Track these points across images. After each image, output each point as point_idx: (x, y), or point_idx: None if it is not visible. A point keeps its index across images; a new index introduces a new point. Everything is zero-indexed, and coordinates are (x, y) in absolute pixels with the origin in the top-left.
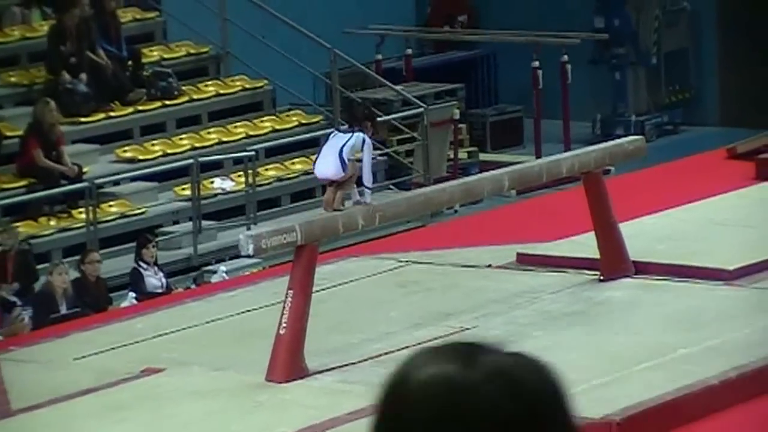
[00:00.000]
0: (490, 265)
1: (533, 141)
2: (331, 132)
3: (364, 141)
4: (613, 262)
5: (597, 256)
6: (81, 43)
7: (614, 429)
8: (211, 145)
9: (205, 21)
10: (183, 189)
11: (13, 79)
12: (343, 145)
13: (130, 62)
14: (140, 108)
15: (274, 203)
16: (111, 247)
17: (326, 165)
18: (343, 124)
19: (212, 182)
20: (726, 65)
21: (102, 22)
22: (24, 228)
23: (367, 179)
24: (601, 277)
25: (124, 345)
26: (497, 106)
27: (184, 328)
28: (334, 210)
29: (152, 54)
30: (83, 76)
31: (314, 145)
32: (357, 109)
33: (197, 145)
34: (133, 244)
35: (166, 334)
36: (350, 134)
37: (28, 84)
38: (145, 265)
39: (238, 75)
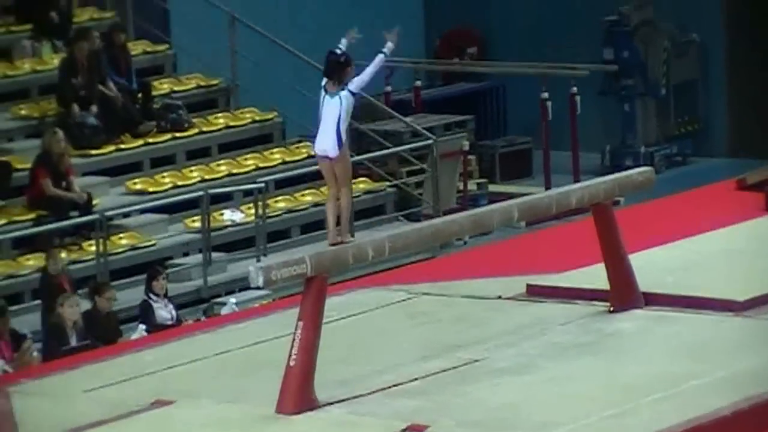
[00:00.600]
0: (499, 297)
1: (542, 172)
2: (321, 94)
3: (351, 92)
4: (623, 294)
5: (607, 287)
6: (92, 76)
7: None
8: (221, 177)
9: (214, 53)
10: (193, 221)
11: (23, 112)
12: (339, 118)
13: (140, 94)
14: (150, 140)
15: (284, 235)
16: (121, 279)
17: (325, 140)
18: (325, 83)
19: (222, 214)
20: (735, 96)
21: (112, 55)
22: (34, 260)
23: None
24: (611, 309)
25: (135, 377)
26: (506, 137)
27: (194, 360)
28: (340, 243)
29: (162, 86)
30: (93, 108)
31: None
32: (329, 63)
33: (207, 177)
34: (143, 276)
35: (177, 366)
36: (337, 96)
37: (39, 117)
38: (155, 297)
39: (247, 107)
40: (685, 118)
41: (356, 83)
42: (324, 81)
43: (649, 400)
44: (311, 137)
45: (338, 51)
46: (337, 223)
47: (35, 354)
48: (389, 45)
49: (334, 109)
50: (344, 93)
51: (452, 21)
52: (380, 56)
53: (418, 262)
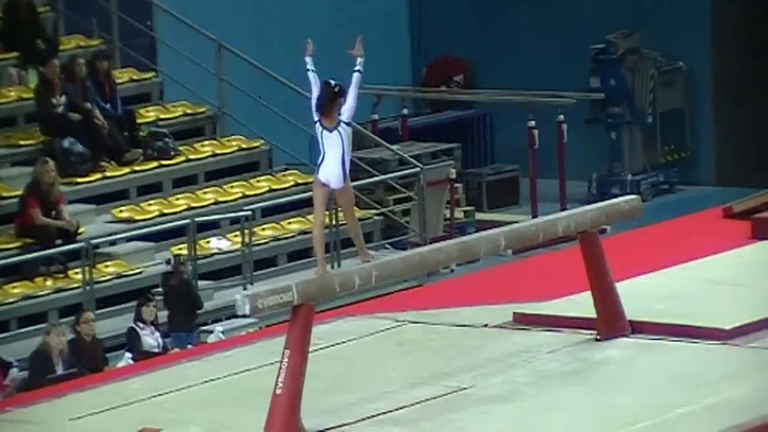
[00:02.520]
0: (486, 325)
1: (529, 200)
2: (317, 129)
3: (347, 123)
4: (610, 322)
5: (594, 315)
6: (71, 98)
7: None
8: (208, 205)
9: (201, 81)
10: (179, 249)
11: (10, 140)
12: (343, 152)
13: (126, 122)
14: (137, 168)
15: (271, 263)
16: (107, 307)
17: (330, 172)
18: (319, 117)
19: (208, 242)
20: (721, 124)
21: (97, 82)
22: (20, 288)
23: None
24: (598, 337)
25: (121, 405)
26: (493, 165)
27: (180, 389)
28: (364, 261)
29: (149, 114)
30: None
31: (310, 204)
32: (325, 95)
33: (193, 205)
34: (129, 304)
35: (163, 394)
36: (335, 130)
37: (25, 144)
38: (142, 325)
39: (234, 135)
40: (671, 147)
41: (347, 113)
42: (317, 116)
43: (635, 428)
44: (298, 165)
45: (332, 82)
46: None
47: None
48: (359, 60)
49: (336, 146)
50: (342, 126)
51: (439, 49)
52: (356, 75)
53: (405, 290)
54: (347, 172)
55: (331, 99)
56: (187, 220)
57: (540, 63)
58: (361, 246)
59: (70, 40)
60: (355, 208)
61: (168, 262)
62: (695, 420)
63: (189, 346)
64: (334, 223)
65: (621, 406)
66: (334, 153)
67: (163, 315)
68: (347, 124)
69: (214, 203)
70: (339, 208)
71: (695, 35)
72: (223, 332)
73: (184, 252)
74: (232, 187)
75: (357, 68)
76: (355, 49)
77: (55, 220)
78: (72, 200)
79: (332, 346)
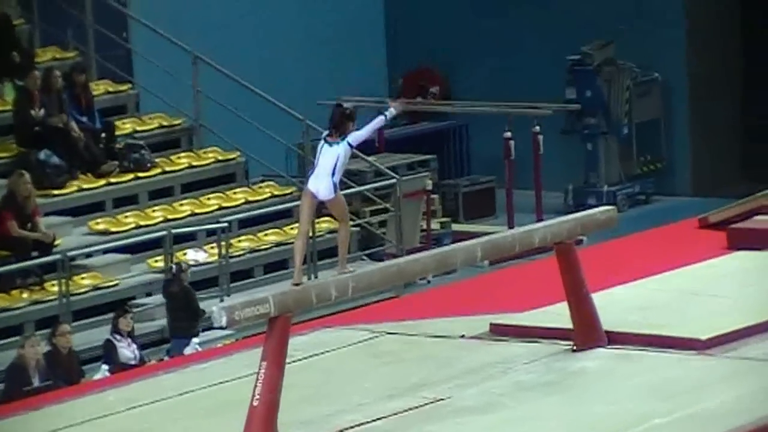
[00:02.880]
0: (463, 336)
1: (506, 211)
2: (320, 143)
3: (350, 145)
4: (586, 332)
5: (570, 326)
6: (49, 110)
7: None
8: (184, 217)
9: (177, 93)
10: (156, 261)
11: None
12: (335, 167)
13: (102, 134)
14: (113, 180)
15: (247, 275)
16: (84, 319)
17: (319, 184)
18: (327, 134)
19: (185, 254)
20: (697, 135)
21: (73, 95)
22: None
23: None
24: (575, 348)
25: (97, 418)
26: (470, 176)
27: (157, 400)
28: (342, 272)
29: (125, 126)
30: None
31: (287, 216)
32: (335, 114)
33: (170, 216)
34: (106, 316)
35: (140, 406)
36: (337, 145)
37: (0, 157)
38: (119, 337)
39: (210, 147)
40: (647, 157)
41: (355, 137)
42: (325, 132)
43: None
44: (274, 177)
45: (345, 105)
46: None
47: None
48: (392, 111)
49: (331, 158)
50: (344, 144)
51: (415, 61)
52: (380, 117)
53: (382, 301)
54: (337, 183)
55: (339, 119)
56: (164, 232)
57: (516, 74)
58: (343, 258)
59: (45, 52)
60: (331, 219)
61: (170, 269)
62: (671, 430)
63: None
64: (311, 234)
65: (597, 416)
66: (326, 164)
67: (140, 326)
68: (351, 146)
69: (191, 215)
70: (334, 218)
71: (671, 46)
72: (199, 344)
73: (161, 264)
74: (208, 198)
75: (386, 113)
76: (397, 103)
77: (31, 233)
78: (48, 212)
79: (309, 357)
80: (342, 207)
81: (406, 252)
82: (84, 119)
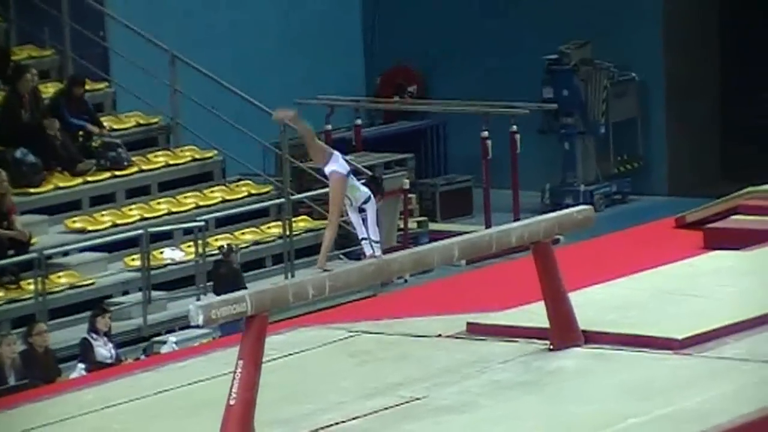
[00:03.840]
0: (440, 335)
1: (483, 210)
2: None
3: (369, 198)
4: (563, 332)
5: (547, 325)
6: (34, 113)
7: None
8: (161, 216)
9: (154, 92)
10: (133, 259)
11: None
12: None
13: (80, 132)
14: (89, 179)
15: None
16: (60, 318)
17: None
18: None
19: (162, 252)
20: (674, 135)
21: (70, 106)
22: None
23: (374, 232)
24: (551, 347)
25: (74, 416)
26: (447, 176)
27: (133, 399)
28: (323, 270)
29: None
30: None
31: (264, 215)
32: (369, 183)
33: (147, 215)
34: (83, 315)
35: (116, 405)
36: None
37: None
38: (95, 336)
39: (187, 145)
40: (624, 157)
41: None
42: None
43: None
44: (251, 175)
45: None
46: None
47: None
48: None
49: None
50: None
51: (392, 60)
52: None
53: (360, 300)
54: (344, 169)
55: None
56: (141, 231)
57: (493, 73)
58: (324, 254)
59: (22, 51)
60: (308, 218)
61: (220, 249)
62: (648, 430)
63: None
64: (288, 233)
65: (574, 415)
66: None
67: (117, 325)
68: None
69: (168, 214)
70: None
71: (648, 46)
72: (176, 343)
73: (137, 263)
74: (185, 197)
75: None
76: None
77: (7, 231)
78: (24, 211)
79: (286, 356)
80: (334, 194)
81: (384, 251)
82: (79, 121)
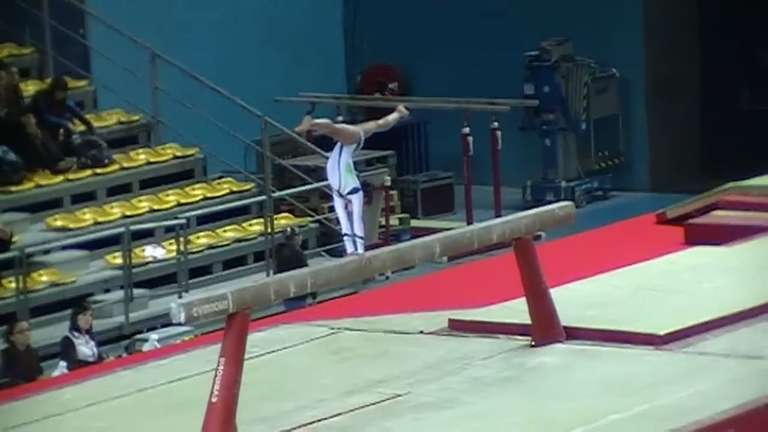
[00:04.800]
0: (422, 332)
1: (464, 207)
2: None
3: (357, 190)
4: (545, 328)
5: (528, 321)
6: (12, 109)
7: None
8: (142, 213)
9: (135, 90)
10: (114, 257)
11: None
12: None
13: (61, 131)
14: (71, 176)
15: (206, 271)
16: (41, 316)
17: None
18: None
19: (143, 250)
20: (655, 131)
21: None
22: None
23: (359, 227)
24: (533, 343)
25: (55, 415)
26: (428, 172)
27: (115, 398)
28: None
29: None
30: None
31: (246, 212)
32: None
33: (128, 213)
34: (64, 313)
35: (98, 403)
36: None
37: None
38: (77, 334)
39: (169, 143)
40: (605, 153)
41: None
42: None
43: None
44: (233, 173)
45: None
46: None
47: None
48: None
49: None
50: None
51: (373, 57)
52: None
53: (341, 297)
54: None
55: None
56: (122, 229)
57: (474, 70)
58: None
59: (2, 49)
60: (290, 215)
61: (283, 232)
62: (629, 426)
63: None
64: (269, 231)
65: (555, 412)
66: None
67: (99, 323)
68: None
69: (149, 211)
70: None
71: (628, 42)
72: (158, 340)
73: (119, 261)
74: (166, 195)
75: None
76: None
77: None
78: (5, 209)
79: (267, 353)
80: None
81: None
82: (62, 121)
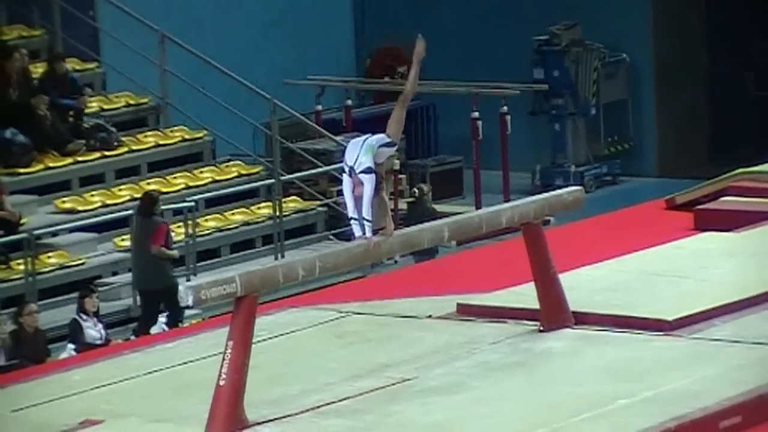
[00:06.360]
0: (430, 316)
1: (473, 191)
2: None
3: (370, 170)
4: (553, 313)
5: (537, 306)
6: (23, 92)
7: None
8: None
9: (144, 72)
10: (122, 240)
11: None
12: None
13: (70, 112)
14: (79, 159)
15: (214, 254)
16: (50, 298)
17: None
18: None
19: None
20: (664, 116)
21: (55, 82)
22: None
23: (367, 211)
24: (541, 328)
25: (63, 397)
26: (437, 156)
27: (123, 380)
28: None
29: (91, 105)
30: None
31: (254, 195)
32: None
33: (137, 195)
34: (72, 295)
35: (105, 385)
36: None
37: None
38: (85, 316)
39: (177, 126)
40: (614, 138)
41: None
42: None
43: (577, 419)
44: (241, 156)
45: None
46: None
47: None
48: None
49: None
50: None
51: (382, 40)
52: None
53: (349, 281)
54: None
55: None
56: (130, 211)
57: (483, 54)
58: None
59: (11, 31)
60: (298, 199)
61: (418, 190)
62: (637, 411)
63: None
64: (278, 214)
65: (563, 396)
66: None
67: (106, 306)
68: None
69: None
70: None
71: (638, 27)
72: (166, 323)
73: (127, 243)
74: (175, 177)
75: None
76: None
77: None
78: (14, 191)
79: (275, 337)
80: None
81: (374, 232)
82: (67, 102)
